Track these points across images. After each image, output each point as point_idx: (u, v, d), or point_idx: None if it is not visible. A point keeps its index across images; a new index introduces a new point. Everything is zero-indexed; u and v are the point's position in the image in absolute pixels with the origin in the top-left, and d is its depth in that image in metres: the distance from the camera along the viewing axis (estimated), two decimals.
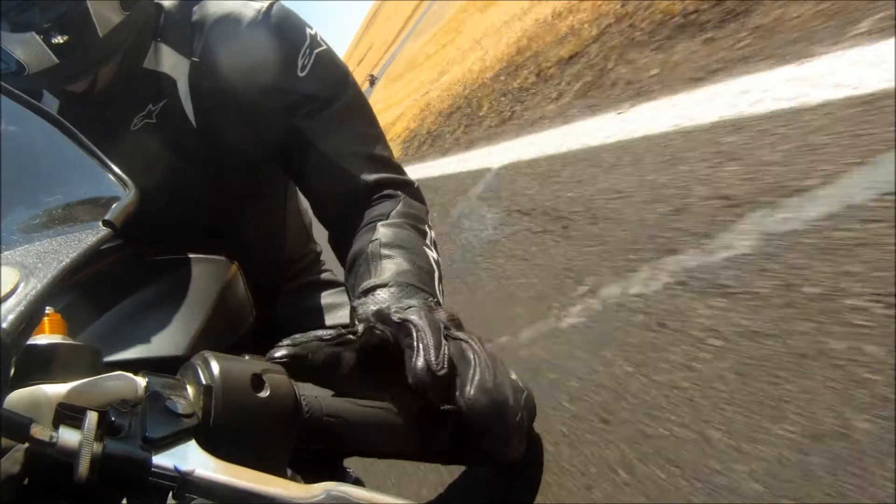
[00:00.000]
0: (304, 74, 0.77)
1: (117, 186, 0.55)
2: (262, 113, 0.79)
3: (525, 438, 0.97)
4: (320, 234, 1.14)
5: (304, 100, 0.77)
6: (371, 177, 0.76)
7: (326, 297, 1.00)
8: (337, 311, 0.97)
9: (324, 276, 1.07)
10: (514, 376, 0.94)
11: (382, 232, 0.67)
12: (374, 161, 0.78)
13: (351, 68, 0.92)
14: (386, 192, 0.76)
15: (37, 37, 0.64)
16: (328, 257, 1.13)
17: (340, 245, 0.77)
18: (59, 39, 0.65)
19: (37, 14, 0.63)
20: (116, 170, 0.56)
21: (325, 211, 0.82)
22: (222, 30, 0.77)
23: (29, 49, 0.65)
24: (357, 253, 0.67)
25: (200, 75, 0.77)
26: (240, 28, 0.76)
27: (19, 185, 0.62)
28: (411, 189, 0.80)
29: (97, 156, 0.56)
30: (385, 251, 0.64)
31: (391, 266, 0.62)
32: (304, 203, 1.10)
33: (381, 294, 0.57)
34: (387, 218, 0.71)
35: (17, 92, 0.55)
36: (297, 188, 1.00)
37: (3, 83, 0.54)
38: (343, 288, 1.04)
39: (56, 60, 0.66)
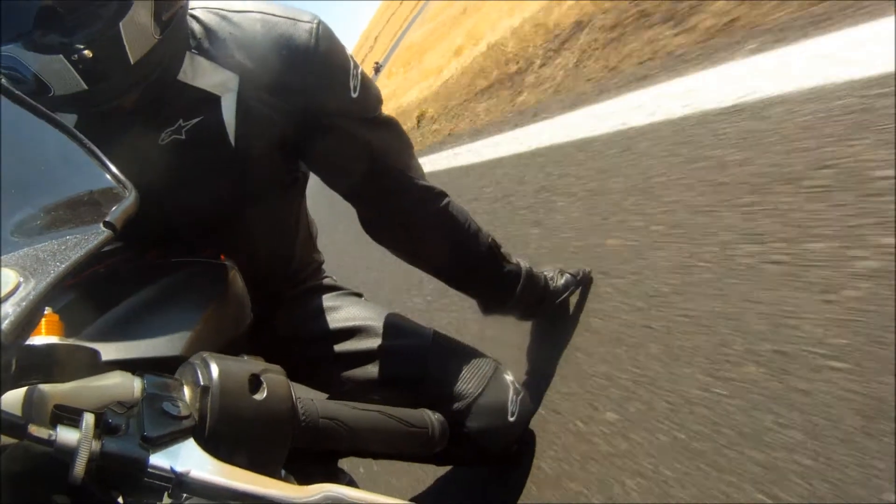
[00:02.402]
0: (356, 95, 0.81)
1: (118, 189, 0.55)
2: (311, 129, 0.81)
3: (518, 438, 0.97)
4: (322, 244, 1.16)
5: (360, 119, 0.83)
6: (421, 181, 0.91)
7: (327, 301, 1.00)
8: (335, 312, 0.98)
9: (325, 281, 1.08)
10: (510, 378, 0.95)
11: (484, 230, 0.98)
12: (415, 159, 0.93)
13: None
14: (439, 188, 0.93)
15: (65, 60, 0.59)
16: (327, 266, 1.14)
17: (385, 220, 0.94)
18: (88, 64, 0.60)
19: (65, 34, 0.58)
20: (117, 172, 0.56)
21: (360, 201, 0.93)
22: (277, 52, 0.75)
23: (55, 71, 0.60)
24: (485, 240, 0.96)
25: (250, 93, 0.75)
26: (295, 51, 0.75)
27: (20, 187, 0.62)
28: None
29: (98, 157, 0.56)
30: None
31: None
32: (312, 214, 1.12)
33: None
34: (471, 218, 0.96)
35: (18, 94, 0.55)
36: (305, 199, 1.03)
37: (3, 84, 0.54)
38: (342, 292, 1.05)
39: (85, 86, 0.61)
